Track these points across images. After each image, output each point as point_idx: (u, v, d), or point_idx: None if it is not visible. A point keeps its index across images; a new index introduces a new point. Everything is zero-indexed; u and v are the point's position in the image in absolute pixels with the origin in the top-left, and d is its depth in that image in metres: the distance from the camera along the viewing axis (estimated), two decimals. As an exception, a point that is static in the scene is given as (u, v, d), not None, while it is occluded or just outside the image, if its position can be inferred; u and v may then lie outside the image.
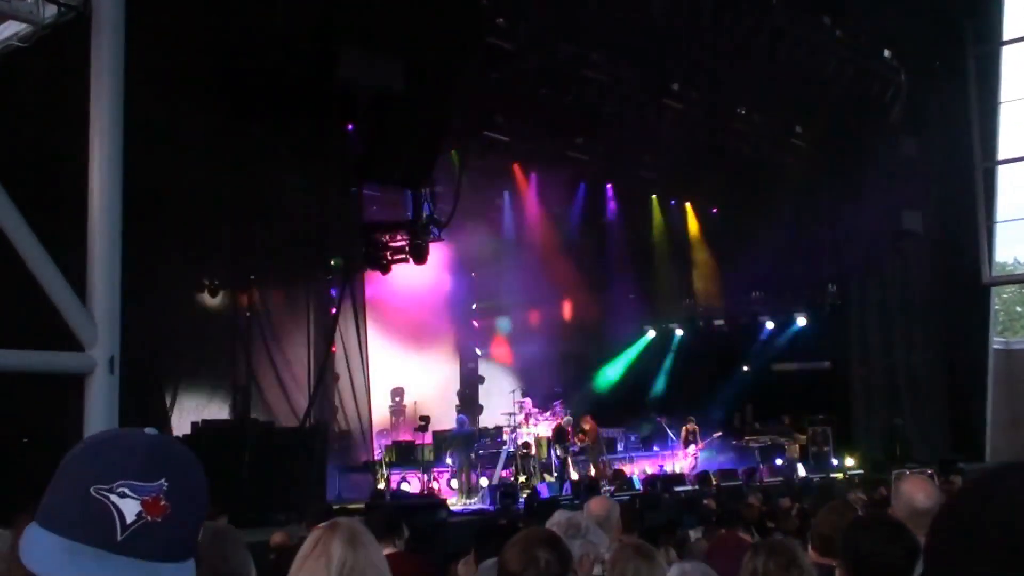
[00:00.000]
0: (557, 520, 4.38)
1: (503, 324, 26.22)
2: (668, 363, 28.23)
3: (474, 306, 24.82)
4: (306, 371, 16.92)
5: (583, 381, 24.61)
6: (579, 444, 20.96)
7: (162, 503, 1.39)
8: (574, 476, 20.08)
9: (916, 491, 4.42)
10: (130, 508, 1.38)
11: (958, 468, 19.51)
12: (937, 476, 17.23)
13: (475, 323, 25.14)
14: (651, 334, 28.65)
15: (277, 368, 16.69)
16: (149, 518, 1.38)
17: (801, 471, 22.44)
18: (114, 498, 1.38)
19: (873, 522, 3.67)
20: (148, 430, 1.47)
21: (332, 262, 17.89)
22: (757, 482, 20.09)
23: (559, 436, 20.82)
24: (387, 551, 5.89)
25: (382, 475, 18.72)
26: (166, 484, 1.40)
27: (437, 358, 24.53)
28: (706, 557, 7.15)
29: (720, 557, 5.63)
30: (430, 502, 16.08)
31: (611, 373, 27.70)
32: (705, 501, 12.53)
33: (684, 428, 23.10)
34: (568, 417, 21.40)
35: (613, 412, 24.41)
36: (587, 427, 21.33)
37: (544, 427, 21.42)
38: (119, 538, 1.37)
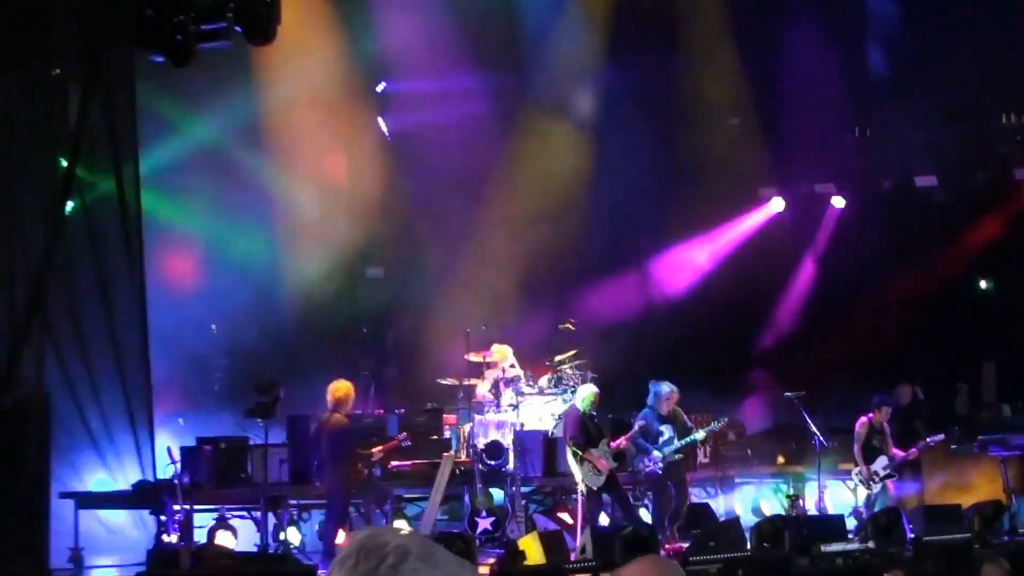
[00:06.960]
0: (354, 548, 4.06)
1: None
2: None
3: (381, 86, 25.71)
4: (7, 292, 18.27)
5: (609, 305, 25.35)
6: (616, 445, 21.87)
7: None
8: (604, 520, 21.32)
9: None
10: None
11: None
12: None
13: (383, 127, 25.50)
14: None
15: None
16: None
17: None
18: None
19: None
20: None
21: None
22: (1004, 533, 20.59)
23: (587, 430, 21.20)
24: None
25: (176, 511, 19.64)
26: None
27: (298, 255, 25.83)
28: None
29: None
30: (275, 570, 17.35)
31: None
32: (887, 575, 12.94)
33: (862, 420, 23.20)
34: (594, 388, 22.18)
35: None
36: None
37: (535, 407, 22.69)
38: None
